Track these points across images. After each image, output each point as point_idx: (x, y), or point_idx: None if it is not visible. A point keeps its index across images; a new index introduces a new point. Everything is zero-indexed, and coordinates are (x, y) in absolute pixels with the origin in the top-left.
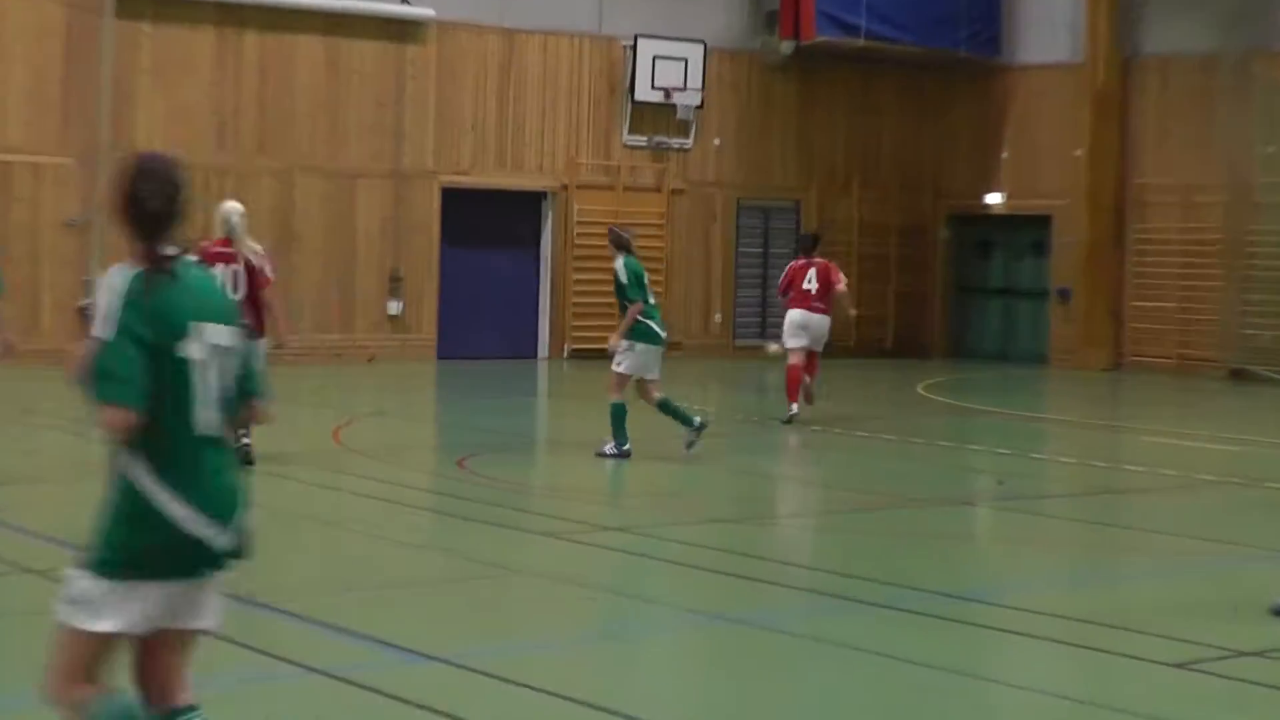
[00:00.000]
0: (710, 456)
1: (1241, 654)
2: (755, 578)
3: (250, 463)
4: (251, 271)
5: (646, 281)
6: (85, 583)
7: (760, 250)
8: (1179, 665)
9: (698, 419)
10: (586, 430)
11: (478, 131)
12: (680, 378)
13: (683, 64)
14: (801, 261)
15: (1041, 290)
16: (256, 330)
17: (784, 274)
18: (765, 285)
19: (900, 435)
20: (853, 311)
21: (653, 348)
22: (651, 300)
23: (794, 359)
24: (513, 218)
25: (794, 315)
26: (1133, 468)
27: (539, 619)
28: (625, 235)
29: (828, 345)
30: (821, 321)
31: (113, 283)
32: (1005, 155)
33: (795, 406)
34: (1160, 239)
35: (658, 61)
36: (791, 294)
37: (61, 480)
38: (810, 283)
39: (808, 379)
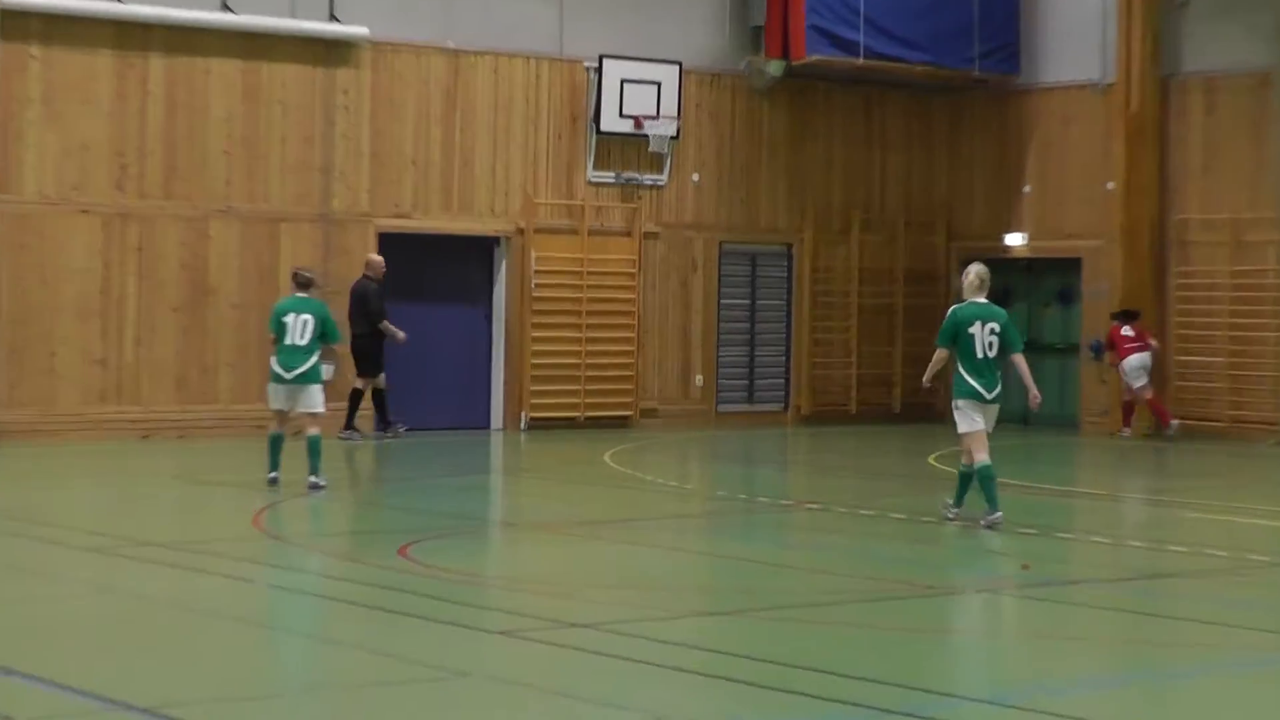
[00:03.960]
0: (694, 540)
1: None
2: (746, 681)
3: None
4: None
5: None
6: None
7: (747, 302)
8: None
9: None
10: (547, 512)
11: (420, 168)
12: (656, 448)
13: (655, 89)
14: (1118, 326)
15: (1070, 344)
16: None
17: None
18: (752, 342)
19: (910, 514)
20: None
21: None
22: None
23: (1148, 393)
24: (461, 267)
25: (1131, 360)
26: (1176, 548)
27: None
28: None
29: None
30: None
31: None
32: (1027, 190)
33: (1174, 424)
34: (1206, 284)
35: (626, 86)
36: (1116, 348)
37: None
38: (1128, 330)
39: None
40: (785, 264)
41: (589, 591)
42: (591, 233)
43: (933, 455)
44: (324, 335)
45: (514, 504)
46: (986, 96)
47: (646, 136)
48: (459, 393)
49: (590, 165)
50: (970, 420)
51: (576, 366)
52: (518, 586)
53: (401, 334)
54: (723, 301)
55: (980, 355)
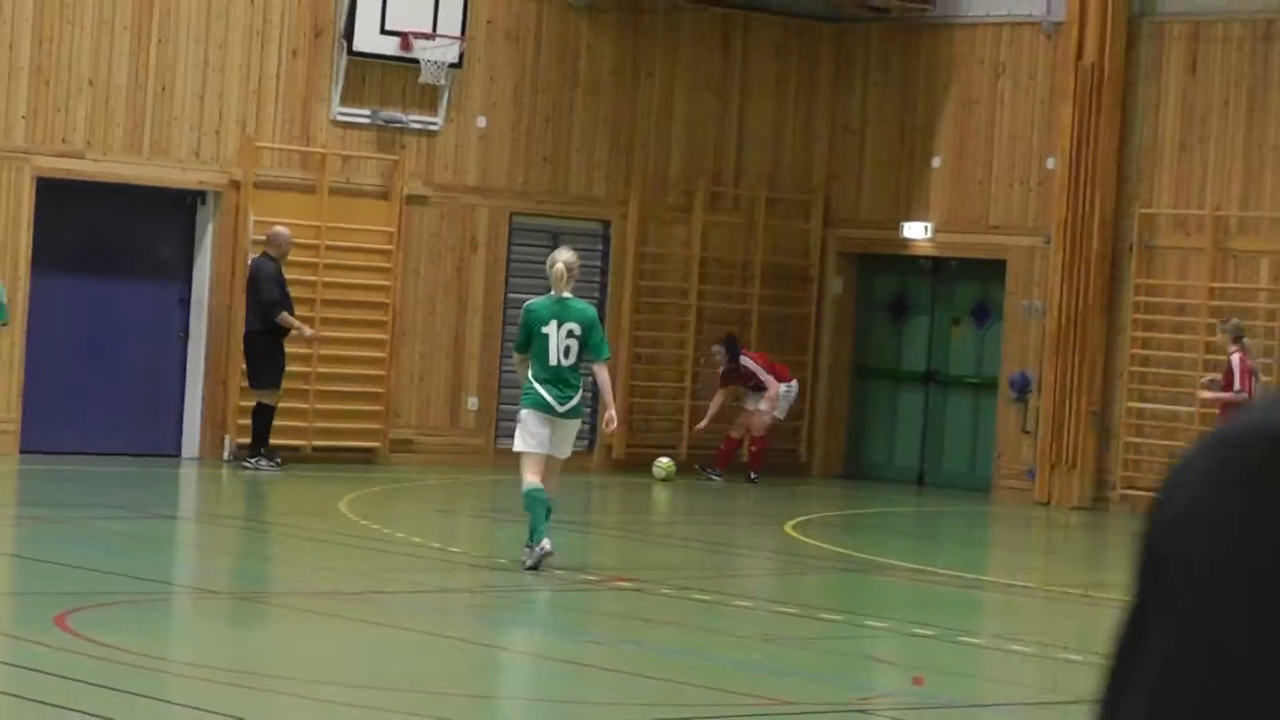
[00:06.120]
0: (461, 623)
1: None
2: None
3: None
4: None
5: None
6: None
7: None
8: None
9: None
10: (258, 576)
11: (99, 90)
12: (412, 495)
13: None
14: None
15: (987, 379)
16: None
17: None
18: None
19: (761, 600)
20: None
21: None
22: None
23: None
24: (150, 230)
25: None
26: None
27: None
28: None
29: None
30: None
31: None
32: (937, 162)
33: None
34: (1174, 304)
35: None
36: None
37: None
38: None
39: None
40: (600, 248)
41: (321, 690)
42: (334, 191)
43: (791, 522)
44: None
45: (212, 563)
46: (888, 30)
47: (418, 62)
48: (140, 406)
49: (337, 98)
50: (527, 438)
51: (305, 377)
52: (219, 677)
53: (309, 329)
54: (511, 296)
55: (554, 361)
